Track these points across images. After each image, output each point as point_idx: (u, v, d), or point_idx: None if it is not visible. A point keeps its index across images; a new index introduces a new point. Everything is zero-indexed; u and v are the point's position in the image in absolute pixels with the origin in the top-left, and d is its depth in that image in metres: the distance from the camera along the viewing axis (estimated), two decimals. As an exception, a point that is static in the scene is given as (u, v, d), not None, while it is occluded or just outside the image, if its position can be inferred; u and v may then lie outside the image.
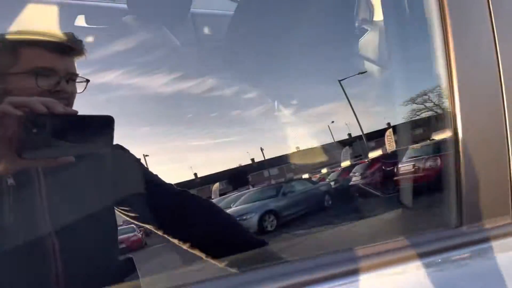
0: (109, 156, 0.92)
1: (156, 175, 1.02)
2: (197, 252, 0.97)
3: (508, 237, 0.73)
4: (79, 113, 0.72)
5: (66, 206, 0.83)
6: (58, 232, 0.80)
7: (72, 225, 0.82)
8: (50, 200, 0.82)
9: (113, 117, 0.71)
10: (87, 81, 0.88)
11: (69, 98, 0.85)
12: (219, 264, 0.92)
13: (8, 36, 0.87)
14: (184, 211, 1.00)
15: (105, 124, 0.71)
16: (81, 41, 0.88)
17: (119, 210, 1.00)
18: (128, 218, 1.01)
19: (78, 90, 0.88)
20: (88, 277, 0.83)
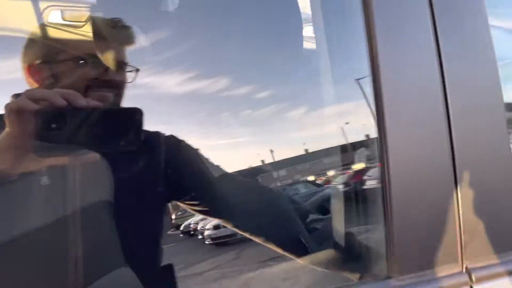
0: (160, 149, 0.89)
1: (217, 166, 0.96)
2: (276, 249, 0.91)
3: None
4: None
5: (104, 206, 0.80)
6: (92, 235, 0.77)
7: (109, 228, 0.79)
8: (85, 200, 0.78)
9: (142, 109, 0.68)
10: (137, 70, 0.86)
11: (118, 88, 0.83)
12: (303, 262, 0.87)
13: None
14: (253, 204, 0.94)
15: (132, 117, 0.67)
16: (130, 28, 0.86)
17: (187, 204, 0.95)
18: (199, 213, 0.94)
19: (128, 80, 0.85)
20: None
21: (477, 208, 0.62)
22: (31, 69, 0.84)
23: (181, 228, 3.39)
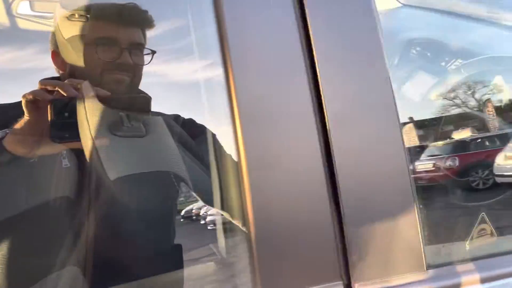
0: (178, 132, 0.89)
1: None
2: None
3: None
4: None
5: (120, 186, 0.82)
6: (111, 211, 0.81)
7: (124, 204, 0.83)
8: (102, 180, 0.81)
9: (151, 96, 0.72)
10: (153, 52, 0.87)
11: (132, 70, 0.86)
12: None
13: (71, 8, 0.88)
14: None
15: (141, 104, 0.72)
16: (146, 12, 0.88)
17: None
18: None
19: (145, 62, 0.87)
20: (134, 257, 0.82)
21: (363, 225, 0.56)
22: (54, 55, 0.88)
23: (182, 213, 3.42)
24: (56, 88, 0.70)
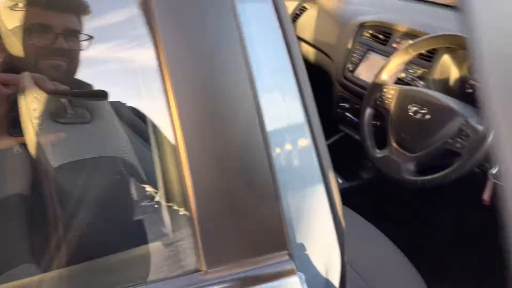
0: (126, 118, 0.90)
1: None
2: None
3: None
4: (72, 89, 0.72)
5: (64, 172, 0.82)
6: (57, 197, 0.79)
7: (69, 190, 0.81)
8: (46, 168, 0.80)
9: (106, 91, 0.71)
10: (91, 37, 0.85)
11: (68, 55, 0.85)
12: None
13: None
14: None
15: (98, 99, 0.71)
16: None
17: None
18: None
19: (82, 48, 0.87)
20: (95, 233, 0.83)
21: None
22: None
23: (156, 199, 3.42)
24: (14, 82, 0.70)
